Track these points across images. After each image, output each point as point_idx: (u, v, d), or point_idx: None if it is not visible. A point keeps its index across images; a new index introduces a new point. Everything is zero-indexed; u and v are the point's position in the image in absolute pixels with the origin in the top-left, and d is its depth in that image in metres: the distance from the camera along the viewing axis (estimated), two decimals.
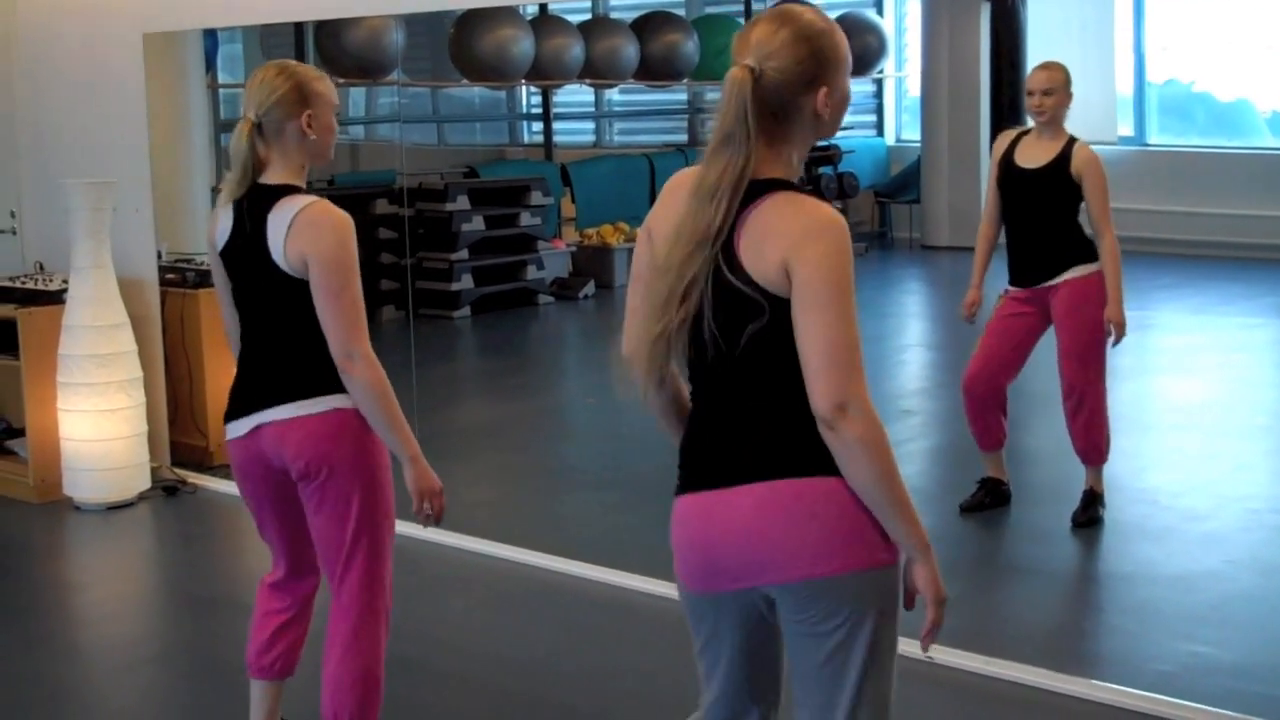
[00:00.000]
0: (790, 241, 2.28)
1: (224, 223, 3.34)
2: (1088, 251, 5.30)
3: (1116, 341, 5.25)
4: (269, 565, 3.61)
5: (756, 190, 2.34)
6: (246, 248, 3.27)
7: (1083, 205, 5.30)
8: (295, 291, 3.21)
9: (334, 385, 3.25)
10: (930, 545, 2.37)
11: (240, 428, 3.36)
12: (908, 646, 2.51)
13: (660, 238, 2.43)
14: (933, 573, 2.38)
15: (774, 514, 2.34)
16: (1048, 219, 5.33)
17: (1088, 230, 5.36)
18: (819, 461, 2.33)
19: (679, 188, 2.43)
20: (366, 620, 3.37)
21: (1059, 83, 5.27)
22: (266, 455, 3.33)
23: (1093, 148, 5.28)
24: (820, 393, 2.26)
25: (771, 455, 2.36)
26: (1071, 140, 5.29)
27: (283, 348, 3.31)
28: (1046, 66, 5.33)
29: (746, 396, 2.38)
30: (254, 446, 3.34)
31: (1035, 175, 5.31)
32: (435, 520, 3.38)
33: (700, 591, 2.49)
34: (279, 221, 3.21)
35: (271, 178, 3.29)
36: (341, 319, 3.17)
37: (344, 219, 3.23)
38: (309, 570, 3.54)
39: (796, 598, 2.38)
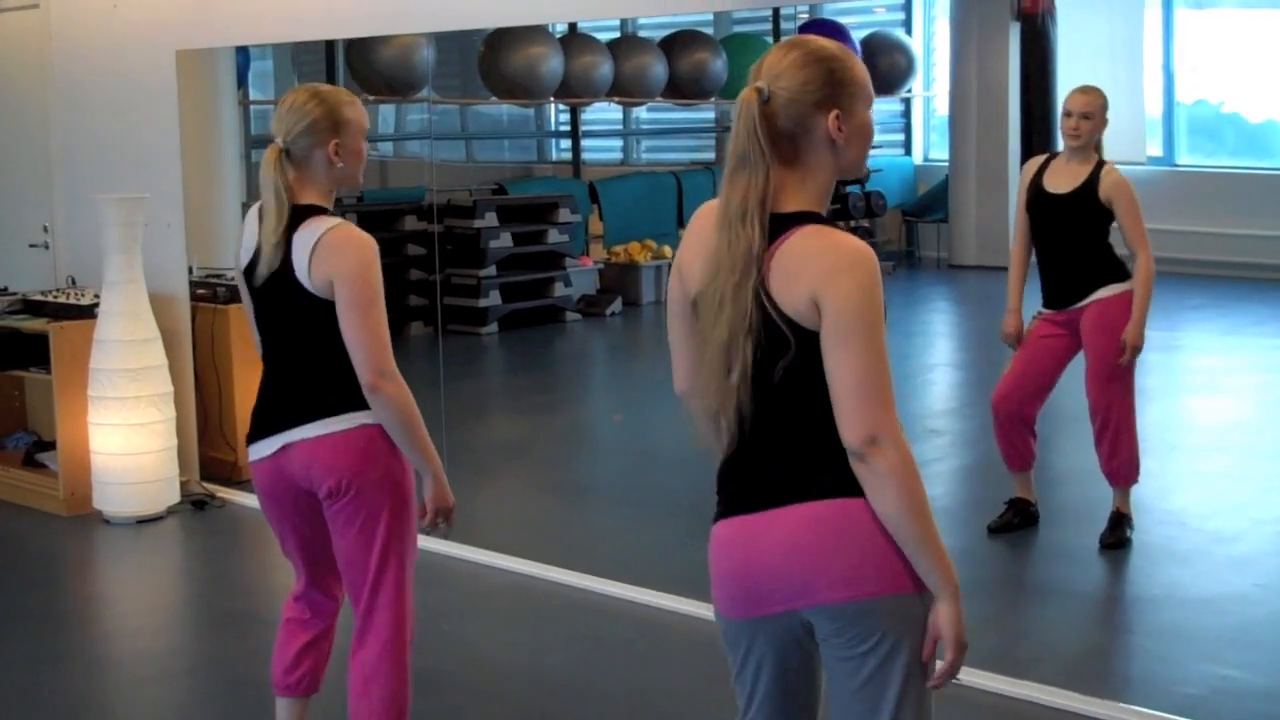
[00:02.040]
0: (819, 275, 2.26)
1: (249, 241, 3.35)
2: (1118, 271, 5.29)
3: (1127, 360, 5.22)
4: (294, 581, 3.62)
5: (784, 223, 2.32)
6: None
7: (1114, 225, 5.29)
8: (321, 311, 3.22)
9: (359, 403, 3.25)
10: (958, 586, 2.32)
11: (266, 448, 3.35)
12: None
13: (693, 275, 2.41)
14: (957, 615, 2.32)
15: (810, 536, 2.33)
16: (1077, 242, 5.31)
17: (1119, 249, 5.33)
18: (850, 483, 2.31)
19: (705, 221, 2.41)
20: (396, 643, 3.36)
21: (1097, 107, 5.24)
22: (293, 475, 3.33)
23: (1121, 169, 5.26)
24: (850, 425, 2.25)
25: (806, 479, 2.35)
26: (1100, 164, 5.25)
27: (309, 367, 3.31)
28: (1086, 90, 5.26)
29: (782, 425, 2.36)
30: (280, 467, 3.34)
31: (1064, 200, 5.28)
32: (443, 535, 3.42)
33: (738, 618, 2.47)
34: (303, 244, 3.21)
35: (298, 199, 3.29)
36: (370, 339, 3.18)
37: (368, 241, 3.23)
38: (332, 589, 3.55)
39: (834, 620, 2.36)
